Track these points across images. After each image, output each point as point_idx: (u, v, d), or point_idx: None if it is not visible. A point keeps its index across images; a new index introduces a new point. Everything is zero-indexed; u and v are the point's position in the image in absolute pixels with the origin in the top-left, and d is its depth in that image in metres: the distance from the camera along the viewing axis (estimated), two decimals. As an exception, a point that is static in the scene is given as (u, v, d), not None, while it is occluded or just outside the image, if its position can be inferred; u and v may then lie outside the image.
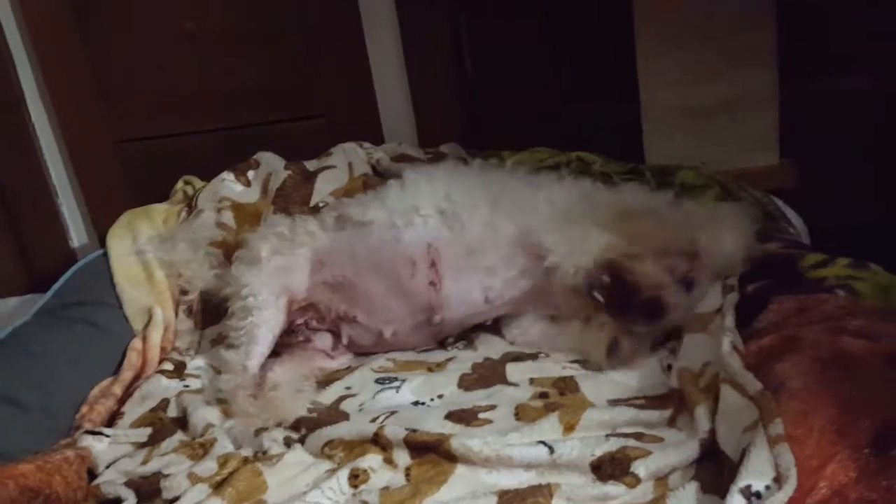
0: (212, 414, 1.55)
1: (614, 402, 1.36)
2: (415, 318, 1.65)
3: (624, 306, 1.44)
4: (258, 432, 1.44)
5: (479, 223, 1.63)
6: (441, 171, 1.78)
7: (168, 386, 1.68)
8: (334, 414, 1.48)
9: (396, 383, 1.55)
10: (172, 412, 1.60)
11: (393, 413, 1.43)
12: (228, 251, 1.92)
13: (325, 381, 1.62)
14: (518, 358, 1.58)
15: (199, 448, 1.44)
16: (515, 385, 1.48)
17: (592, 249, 1.47)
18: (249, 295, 1.66)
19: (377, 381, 1.57)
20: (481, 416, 1.38)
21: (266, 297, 1.66)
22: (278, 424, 1.48)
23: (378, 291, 1.65)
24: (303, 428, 1.43)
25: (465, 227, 1.63)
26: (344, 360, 1.74)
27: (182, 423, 1.56)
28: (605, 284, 1.44)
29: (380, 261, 1.65)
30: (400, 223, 1.66)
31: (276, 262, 1.69)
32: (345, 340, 1.71)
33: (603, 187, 1.71)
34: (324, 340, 1.74)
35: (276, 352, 1.71)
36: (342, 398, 1.54)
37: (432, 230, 1.64)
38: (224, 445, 1.43)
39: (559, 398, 1.41)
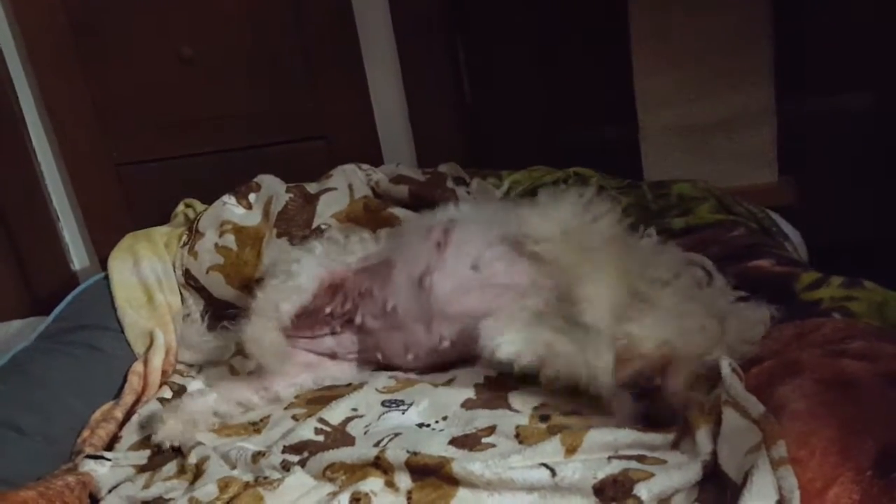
0: (206, 436, 1.56)
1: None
2: (411, 281, 1.63)
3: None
4: (256, 458, 1.43)
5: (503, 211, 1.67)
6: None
7: (164, 415, 1.69)
8: (340, 437, 1.48)
9: (403, 406, 1.54)
10: (169, 440, 1.61)
11: (397, 435, 1.43)
12: (229, 275, 1.94)
13: (330, 398, 1.61)
14: (523, 379, 1.54)
15: (195, 469, 1.44)
16: (519, 412, 1.46)
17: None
18: (293, 262, 1.69)
19: (384, 402, 1.57)
20: (484, 440, 1.37)
21: (309, 265, 1.68)
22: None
23: (393, 259, 1.68)
24: (305, 451, 1.43)
25: (489, 209, 1.69)
26: (347, 368, 1.74)
27: (180, 448, 1.56)
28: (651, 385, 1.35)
29: (406, 234, 1.74)
30: (439, 210, 1.75)
31: (327, 258, 1.73)
32: (358, 319, 1.70)
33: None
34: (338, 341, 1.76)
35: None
36: (349, 419, 1.54)
37: (461, 210, 1.73)
38: (219, 465, 1.43)
39: (562, 419, 1.40)
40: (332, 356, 1.75)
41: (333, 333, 1.74)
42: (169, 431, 1.55)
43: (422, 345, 1.65)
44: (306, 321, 1.71)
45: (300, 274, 1.66)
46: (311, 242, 1.80)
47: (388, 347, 1.69)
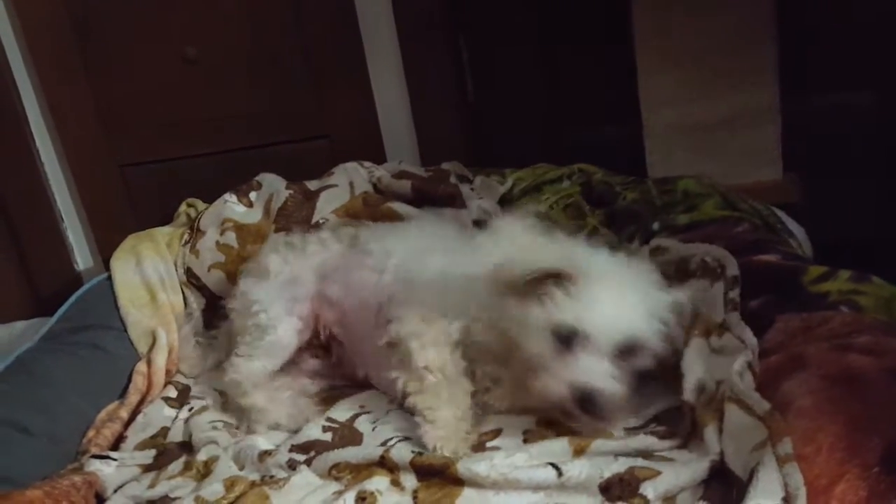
0: (219, 435, 1.55)
1: (631, 431, 1.33)
2: (378, 364, 1.58)
3: None
4: (262, 457, 1.43)
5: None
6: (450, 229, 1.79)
7: (169, 415, 1.70)
8: (349, 434, 1.48)
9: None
10: (176, 438, 1.62)
11: (407, 438, 1.41)
12: (230, 273, 1.94)
13: (337, 397, 1.62)
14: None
15: (203, 468, 1.44)
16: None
17: None
18: (261, 311, 1.64)
19: (391, 401, 1.57)
20: (489, 444, 1.36)
21: (278, 312, 1.64)
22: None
23: (356, 329, 1.63)
24: (312, 451, 1.43)
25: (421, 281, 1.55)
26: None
27: (187, 446, 1.57)
28: None
29: (362, 297, 1.62)
30: (384, 265, 1.61)
31: (285, 275, 1.68)
32: (334, 358, 1.70)
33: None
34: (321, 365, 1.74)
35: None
36: (356, 416, 1.54)
37: (400, 278, 1.58)
38: (228, 465, 1.43)
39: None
40: (321, 376, 1.73)
41: (315, 357, 1.73)
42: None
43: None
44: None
45: (276, 327, 1.63)
46: (265, 260, 1.71)
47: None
